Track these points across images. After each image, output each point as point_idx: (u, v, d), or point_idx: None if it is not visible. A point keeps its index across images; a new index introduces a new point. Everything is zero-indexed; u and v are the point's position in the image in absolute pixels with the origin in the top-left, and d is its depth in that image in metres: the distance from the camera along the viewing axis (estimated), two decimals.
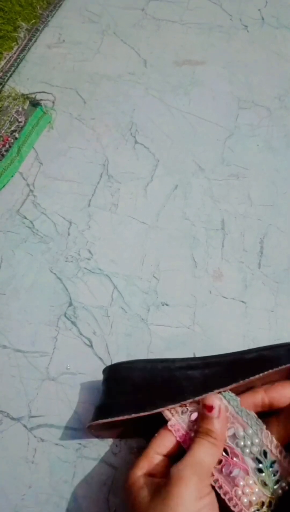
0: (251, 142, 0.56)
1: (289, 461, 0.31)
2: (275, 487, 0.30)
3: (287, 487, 0.30)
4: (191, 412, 0.32)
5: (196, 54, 0.65)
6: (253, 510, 0.29)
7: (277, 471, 0.30)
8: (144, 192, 0.52)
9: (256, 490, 0.29)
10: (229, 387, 0.32)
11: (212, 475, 0.30)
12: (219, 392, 0.32)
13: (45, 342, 0.43)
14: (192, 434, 0.31)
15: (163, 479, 0.29)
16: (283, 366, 0.32)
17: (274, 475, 0.30)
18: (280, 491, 0.30)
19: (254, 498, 0.29)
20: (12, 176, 0.53)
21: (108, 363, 0.41)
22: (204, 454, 0.29)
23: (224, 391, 0.32)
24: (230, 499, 0.29)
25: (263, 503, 0.29)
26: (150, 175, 0.53)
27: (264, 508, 0.29)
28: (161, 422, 0.32)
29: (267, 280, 0.46)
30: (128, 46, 0.66)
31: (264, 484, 0.29)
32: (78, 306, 0.45)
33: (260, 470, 0.30)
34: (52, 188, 0.52)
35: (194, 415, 0.32)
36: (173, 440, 0.31)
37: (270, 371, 0.32)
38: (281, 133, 0.57)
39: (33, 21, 0.66)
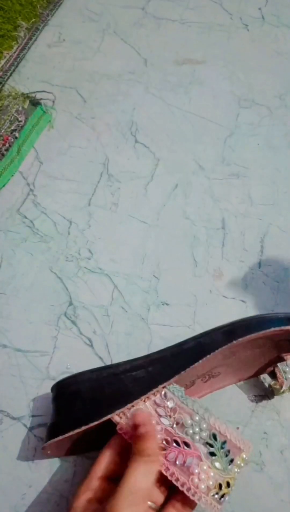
0: (251, 141, 0.56)
1: (236, 437, 0.32)
2: (229, 466, 0.30)
3: (242, 464, 0.31)
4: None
5: (196, 53, 0.64)
6: (212, 494, 0.29)
7: (229, 451, 0.31)
8: (145, 191, 0.52)
9: (212, 474, 0.30)
10: (172, 380, 0.33)
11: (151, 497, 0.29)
12: (164, 387, 0.33)
13: (45, 341, 0.43)
14: None
15: (101, 506, 0.28)
16: (219, 349, 0.33)
17: (227, 455, 0.31)
18: (236, 469, 0.31)
19: (211, 483, 0.29)
20: (12, 175, 0.53)
21: (108, 363, 0.41)
22: (139, 478, 0.28)
23: (168, 385, 0.33)
24: (188, 489, 0.29)
25: (220, 485, 0.30)
26: (151, 174, 0.53)
27: (223, 489, 0.29)
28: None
29: (267, 280, 0.46)
30: (128, 45, 0.65)
31: (219, 466, 0.30)
32: (78, 305, 0.45)
33: (213, 454, 0.30)
34: (52, 187, 0.52)
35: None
36: (112, 458, 0.31)
37: (208, 356, 0.33)
38: (282, 132, 0.57)
39: (33, 20, 0.66)
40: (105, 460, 0.31)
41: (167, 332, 0.43)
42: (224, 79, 0.62)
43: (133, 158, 0.55)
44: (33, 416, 0.39)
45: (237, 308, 0.45)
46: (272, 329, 0.34)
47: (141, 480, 0.28)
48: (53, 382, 0.38)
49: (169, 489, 0.31)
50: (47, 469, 0.37)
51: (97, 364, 0.41)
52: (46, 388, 0.40)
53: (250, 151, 0.55)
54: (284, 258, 0.48)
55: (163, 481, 0.31)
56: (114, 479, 0.30)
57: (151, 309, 0.44)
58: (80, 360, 0.42)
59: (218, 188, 0.52)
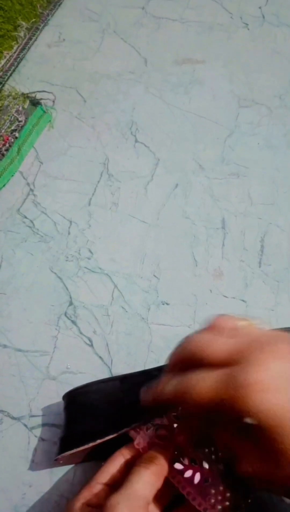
0: (251, 140, 0.56)
1: None
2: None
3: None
4: (156, 427, 0.32)
5: (196, 53, 0.64)
6: None
7: None
8: (145, 191, 0.52)
9: (228, 495, 0.29)
10: None
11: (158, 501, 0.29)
12: None
13: (46, 341, 0.43)
14: None
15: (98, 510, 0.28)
16: None
17: None
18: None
19: (227, 503, 0.28)
20: (13, 175, 0.53)
21: (109, 363, 0.41)
22: (140, 484, 0.28)
23: None
24: (205, 510, 0.28)
25: (237, 506, 0.28)
26: (151, 174, 0.53)
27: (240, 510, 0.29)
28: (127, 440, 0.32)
29: (267, 279, 0.46)
30: (128, 44, 0.65)
31: (236, 486, 0.29)
32: (79, 305, 0.45)
33: (229, 473, 0.29)
34: (52, 187, 0.52)
35: (160, 431, 0.31)
36: (119, 467, 0.31)
37: None
38: (281, 132, 0.57)
39: (33, 20, 0.66)
40: (112, 468, 0.31)
41: (167, 332, 0.43)
42: (224, 78, 0.62)
43: (133, 157, 0.55)
44: (33, 416, 0.39)
45: (237, 308, 0.45)
46: None
47: (141, 487, 0.28)
48: (53, 382, 0.39)
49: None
50: (47, 469, 0.37)
51: (97, 364, 0.41)
52: (46, 388, 0.40)
53: (250, 151, 0.55)
54: (284, 257, 0.48)
55: (159, 497, 0.30)
56: (114, 486, 0.30)
57: (151, 309, 0.44)
58: (80, 360, 0.42)
59: (218, 187, 0.52)
